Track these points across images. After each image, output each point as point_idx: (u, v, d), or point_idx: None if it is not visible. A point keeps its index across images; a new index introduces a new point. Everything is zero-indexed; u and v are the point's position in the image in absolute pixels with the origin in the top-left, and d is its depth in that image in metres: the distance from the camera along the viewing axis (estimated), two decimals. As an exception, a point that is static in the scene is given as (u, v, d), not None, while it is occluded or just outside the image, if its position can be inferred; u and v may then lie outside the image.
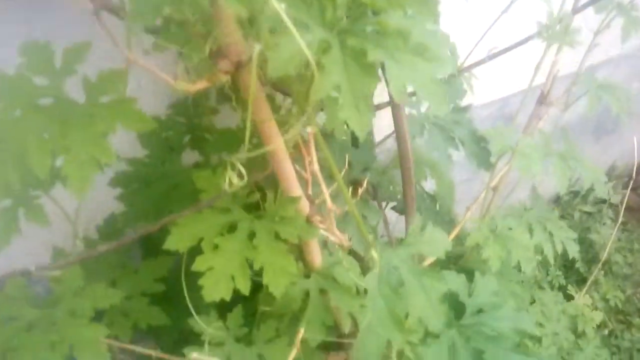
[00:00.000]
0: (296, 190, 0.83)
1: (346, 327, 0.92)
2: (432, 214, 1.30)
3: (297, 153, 0.93)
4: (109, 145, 0.64)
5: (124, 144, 1.09)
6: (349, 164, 1.01)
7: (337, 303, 0.93)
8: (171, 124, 1.10)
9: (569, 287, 2.43)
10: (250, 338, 1.02)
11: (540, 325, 1.83)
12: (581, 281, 2.60)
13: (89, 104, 0.66)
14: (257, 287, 0.96)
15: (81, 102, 0.67)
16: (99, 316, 0.93)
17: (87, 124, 0.64)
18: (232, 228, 0.83)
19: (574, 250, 1.21)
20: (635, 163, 3.33)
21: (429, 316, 0.59)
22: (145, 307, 1.09)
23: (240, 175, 0.66)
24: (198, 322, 0.93)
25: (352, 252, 1.02)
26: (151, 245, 1.20)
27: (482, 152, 1.02)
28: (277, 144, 0.76)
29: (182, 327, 1.24)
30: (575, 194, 3.07)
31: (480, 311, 1.00)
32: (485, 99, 1.92)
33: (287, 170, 0.80)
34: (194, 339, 0.99)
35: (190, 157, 1.11)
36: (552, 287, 2.35)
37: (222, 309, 0.95)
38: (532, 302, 2.06)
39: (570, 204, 3.02)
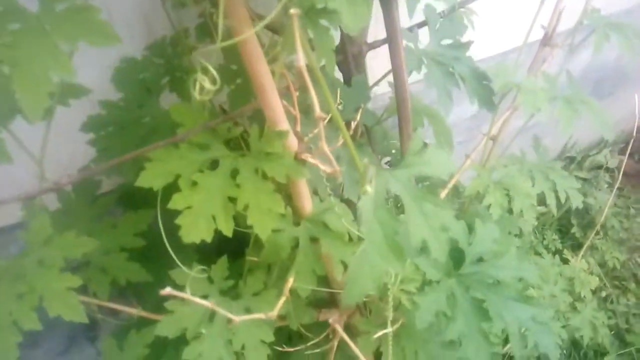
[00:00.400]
0: (283, 124, 0.76)
1: (338, 276, 0.86)
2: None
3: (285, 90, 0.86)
4: (67, 58, 0.56)
5: (97, 89, 1.00)
6: (340, 103, 0.93)
7: (329, 250, 0.86)
8: (148, 64, 1.01)
9: (565, 251, 2.39)
10: (237, 291, 0.95)
11: (538, 287, 1.79)
12: (577, 246, 2.56)
13: (43, 11, 0.57)
14: (242, 239, 0.90)
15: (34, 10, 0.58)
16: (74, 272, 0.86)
17: (40, 34, 0.56)
18: (212, 165, 0.76)
19: (578, 200, 1.15)
20: (635, 126, 3.28)
21: (431, 245, 0.52)
22: (124, 263, 1.02)
23: (213, 81, 0.58)
24: (179, 272, 0.86)
25: (344, 201, 0.95)
26: (131, 200, 1.13)
27: (484, 90, 0.95)
28: (260, 67, 0.68)
29: (164, 286, 1.18)
30: (572, 159, 3.02)
31: (480, 260, 0.95)
32: (483, 54, 1.84)
33: (273, 101, 0.73)
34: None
35: (169, 100, 1.03)
36: (548, 251, 2.31)
37: (206, 261, 0.88)
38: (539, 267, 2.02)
39: (566, 170, 2.97)
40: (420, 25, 1.02)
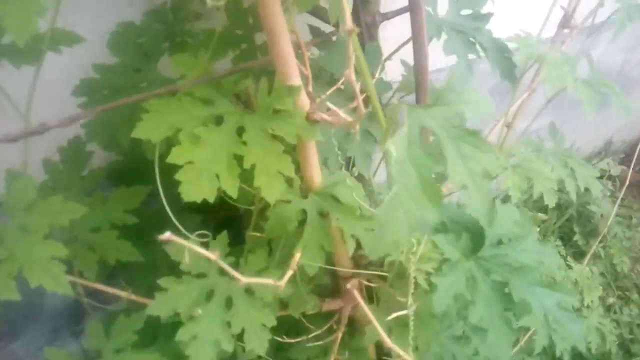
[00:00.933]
0: (296, 78, 0.69)
1: (350, 251, 0.79)
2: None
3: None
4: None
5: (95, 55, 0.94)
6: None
7: (340, 224, 0.79)
8: (147, 29, 0.95)
9: (569, 258, 2.33)
10: (238, 270, 0.87)
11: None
12: (579, 254, 2.50)
13: None
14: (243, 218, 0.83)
15: None
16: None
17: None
18: (217, 121, 0.69)
19: (597, 189, 1.09)
20: None
21: (470, 193, 0.46)
22: (114, 241, 0.94)
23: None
24: (174, 246, 0.79)
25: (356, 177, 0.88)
26: (124, 176, 1.06)
27: (506, 62, 0.89)
28: (274, 8, 0.61)
29: (158, 271, 1.10)
30: (572, 168, 2.97)
31: (500, 242, 0.88)
32: (501, 33, 1.79)
33: (286, 51, 0.66)
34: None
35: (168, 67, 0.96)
36: (551, 258, 2.24)
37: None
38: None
39: (567, 179, 2.93)
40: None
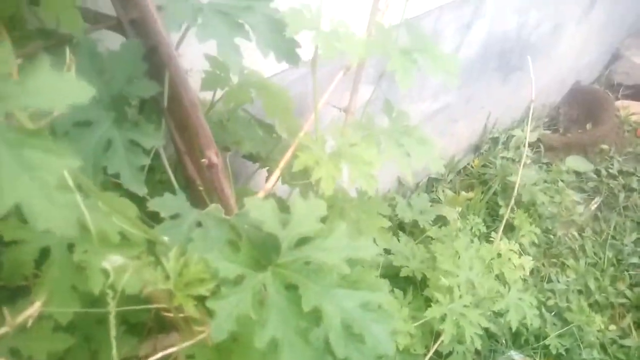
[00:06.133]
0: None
1: (96, 289, 0.66)
2: (266, 145, 1.05)
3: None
4: None
5: None
6: (104, 72, 0.75)
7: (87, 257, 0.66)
8: None
9: (493, 234, 2.25)
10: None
11: (452, 275, 1.62)
12: (508, 228, 2.42)
13: None
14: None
15: None
16: None
17: None
18: None
19: (438, 166, 0.99)
20: (561, 98, 3.20)
21: (43, 210, 0.34)
22: None
23: None
24: None
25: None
26: None
27: (283, 42, 0.79)
28: None
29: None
30: (495, 140, 2.92)
31: (302, 243, 0.76)
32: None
33: None
34: None
35: None
36: (473, 236, 2.16)
37: None
38: (456, 255, 1.85)
39: (491, 152, 2.87)
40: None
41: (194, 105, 0.76)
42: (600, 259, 2.45)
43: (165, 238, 0.72)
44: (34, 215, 0.34)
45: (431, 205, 2.23)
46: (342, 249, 0.76)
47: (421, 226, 2.13)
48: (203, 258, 0.69)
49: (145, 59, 0.80)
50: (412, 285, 1.89)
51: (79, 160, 0.36)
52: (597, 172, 2.88)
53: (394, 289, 1.77)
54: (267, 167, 1.10)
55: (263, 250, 0.76)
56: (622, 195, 2.74)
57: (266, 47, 0.79)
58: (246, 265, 0.72)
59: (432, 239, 2.10)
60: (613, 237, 2.55)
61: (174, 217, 0.78)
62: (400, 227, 2.26)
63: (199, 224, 0.79)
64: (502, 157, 2.82)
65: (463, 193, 2.55)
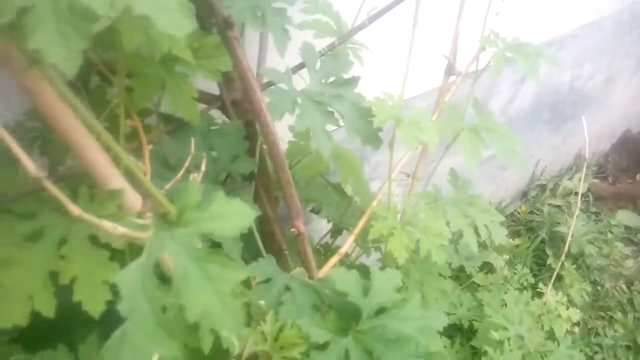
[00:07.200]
0: (116, 180, 0.68)
1: None
2: (339, 209, 1.15)
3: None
4: None
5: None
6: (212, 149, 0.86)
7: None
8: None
9: (540, 285, 2.26)
10: None
11: (503, 329, 1.66)
12: (556, 278, 2.43)
13: None
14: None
15: None
16: None
17: None
18: (35, 236, 0.67)
19: (500, 235, 1.06)
20: (610, 147, 3.20)
21: (219, 314, 0.43)
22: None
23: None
24: None
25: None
26: None
27: (367, 127, 0.88)
28: (67, 123, 0.61)
29: None
30: (542, 187, 2.93)
31: (381, 312, 0.85)
32: (422, 89, 1.79)
33: (96, 158, 0.65)
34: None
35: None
36: (522, 287, 2.18)
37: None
38: (503, 304, 1.89)
39: (538, 199, 2.88)
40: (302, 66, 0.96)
41: (289, 183, 0.86)
42: (649, 314, 2.42)
43: (262, 302, 0.81)
44: (214, 320, 0.44)
45: (478, 251, 2.28)
46: (416, 318, 0.84)
47: (467, 272, 2.17)
48: (296, 323, 0.78)
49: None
50: (459, 333, 1.93)
51: (248, 271, 0.46)
52: (648, 225, 2.85)
53: (442, 336, 1.82)
54: (342, 229, 1.19)
55: (344, 316, 0.84)
56: (673, 250, 2.70)
57: (354, 132, 0.89)
58: (332, 331, 0.80)
59: (478, 285, 2.14)
60: (663, 293, 2.51)
61: (266, 280, 0.88)
62: (446, 272, 2.30)
63: (287, 288, 0.89)
64: (550, 204, 2.83)
65: (510, 240, 2.57)
